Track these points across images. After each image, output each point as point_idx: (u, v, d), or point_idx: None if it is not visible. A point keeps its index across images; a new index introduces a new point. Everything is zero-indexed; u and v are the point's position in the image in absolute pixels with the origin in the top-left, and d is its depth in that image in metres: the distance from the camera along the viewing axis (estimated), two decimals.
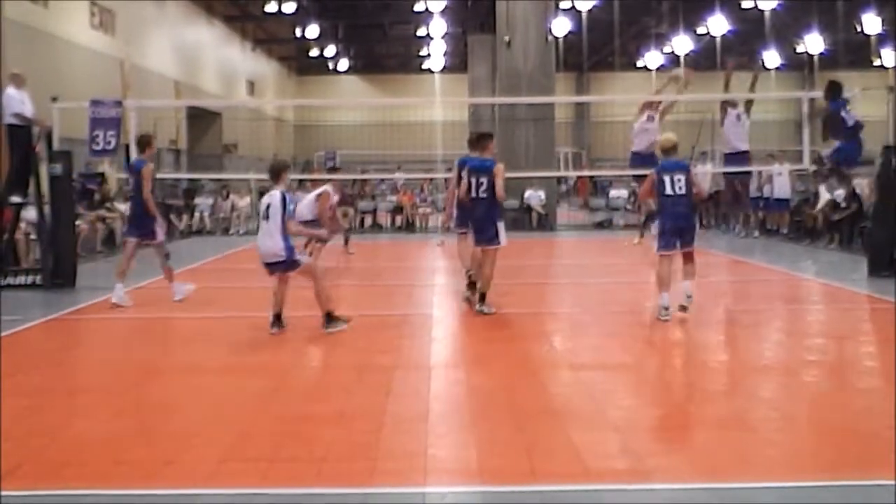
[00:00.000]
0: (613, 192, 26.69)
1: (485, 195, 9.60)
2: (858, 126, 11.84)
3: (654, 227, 9.42)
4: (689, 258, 9.20)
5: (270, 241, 8.44)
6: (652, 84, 43.94)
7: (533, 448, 5.00)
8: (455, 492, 4.44)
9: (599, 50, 43.87)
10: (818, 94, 13.35)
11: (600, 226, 24.26)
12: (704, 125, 22.72)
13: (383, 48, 52.45)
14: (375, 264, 15.81)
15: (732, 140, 13.59)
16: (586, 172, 34.70)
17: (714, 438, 5.28)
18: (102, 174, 19.34)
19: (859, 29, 38.26)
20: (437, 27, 39.01)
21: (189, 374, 7.27)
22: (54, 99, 13.35)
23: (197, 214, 23.54)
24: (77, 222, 14.57)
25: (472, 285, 9.75)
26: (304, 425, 5.54)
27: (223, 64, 39.05)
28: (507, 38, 23.03)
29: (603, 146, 43.17)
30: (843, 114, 11.70)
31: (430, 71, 48.71)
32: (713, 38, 40.57)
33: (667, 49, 44.67)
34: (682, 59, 42.61)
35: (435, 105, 42.58)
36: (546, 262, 16.19)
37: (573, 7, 35.29)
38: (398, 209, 24.60)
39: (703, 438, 5.30)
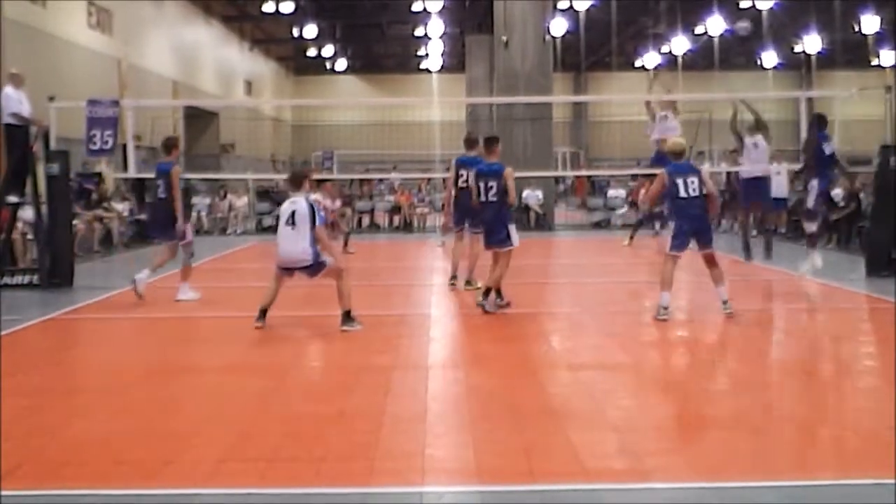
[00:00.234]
0: (611, 192, 26.67)
1: (493, 199, 9.69)
2: (834, 157, 12.40)
3: (669, 230, 9.49)
4: (710, 261, 9.24)
5: (296, 246, 8.61)
6: (648, 85, 44.08)
7: (531, 448, 5.00)
8: (453, 491, 4.44)
9: (597, 50, 43.86)
10: (816, 93, 13.46)
11: (598, 225, 24.28)
12: (702, 125, 22.73)
13: (381, 48, 52.43)
14: (373, 264, 15.80)
15: (749, 165, 13.55)
16: (584, 172, 34.69)
17: (713, 438, 5.28)
18: (100, 174, 19.34)
19: (857, 28, 38.26)
20: (435, 27, 38.98)
21: (188, 374, 7.26)
22: (51, 98, 13.34)
23: (194, 214, 23.50)
24: (74, 222, 14.57)
25: (487, 292, 9.74)
26: (303, 425, 5.54)
27: (221, 64, 39.02)
28: (504, 38, 23.03)
29: (601, 146, 43.14)
30: (823, 145, 12.17)
31: (427, 71, 48.71)
32: (711, 37, 40.55)
33: (664, 49, 44.67)
34: (679, 60, 42.69)
35: (433, 105, 42.59)
36: (544, 261, 16.19)
37: (571, 7, 35.23)
38: (396, 209, 24.61)
39: (702, 438, 5.30)
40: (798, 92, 39.05)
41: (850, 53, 41.45)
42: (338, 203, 15.84)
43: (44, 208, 12.46)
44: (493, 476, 4.58)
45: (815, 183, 12.36)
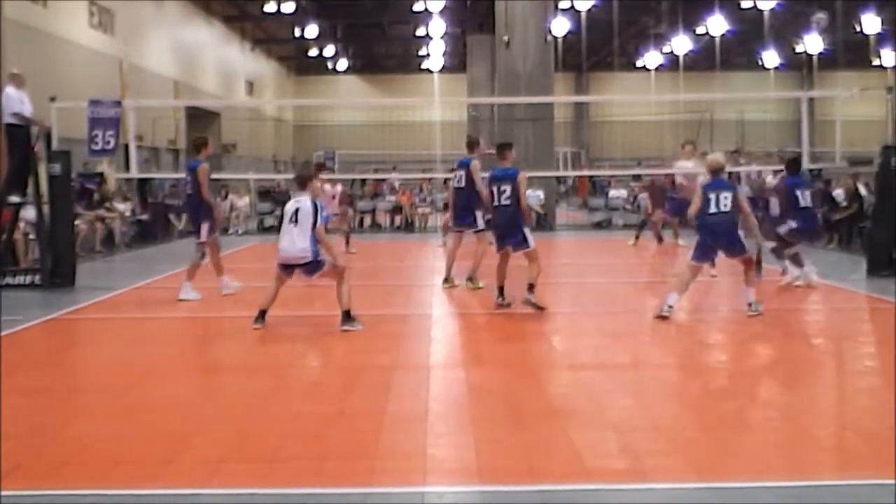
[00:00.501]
0: (612, 192, 26.64)
1: (507, 202, 9.76)
2: (809, 209, 11.33)
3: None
4: (745, 264, 9.38)
5: (297, 244, 8.64)
6: (651, 85, 44.14)
7: (532, 448, 5.00)
8: (454, 491, 4.44)
9: (598, 50, 43.84)
10: (817, 93, 13.36)
11: (599, 226, 24.26)
12: (703, 125, 22.74)
13: (382, 48, 52.44)
14: (375, 264, 15.80)
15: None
16: (585, 172, 34.67)
17: (713, 438, 5.28)
18: (101, 174, 19.36)
19: (858, 29, 38.25)
20: (437, 27, 38.99)
21: (188, 374, 7.27)
22: (53, 99, 13.35)
23: None
24: (76, 222, 14.57)
25: (500, 291, 9.90)
26: (304, 425, 5.54)
27: (222, 64, 39.03)
28: (506, 38, 23.02)
29: (602, 146, 43.14)
30: (797, 192, 11.17)
31: (429, 71, 48.69)
32: (712, 38, 40.55)
33: (666, 49, 44.67)
34: (681, 59, 42.67)
35: (434, 105, 42.60)
36: (545, 262, 16.07)
37: (572, 7, 35.25)
38: (397, 209, 24.61)
39: (702, 438, 5.30)
40: (799, 92, 39.14)
41: (852, 54, 41.43)
42: (336, 202, 15.81)
43: (46, 208, 12.47)
44: (494, 476, 4.59)
45: (791, 223, 11.20)
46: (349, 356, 7.82)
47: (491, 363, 7.49)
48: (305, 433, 5.36)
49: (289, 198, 9.17)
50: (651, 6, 38.12)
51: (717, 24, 38.69)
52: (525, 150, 21.90)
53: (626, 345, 8.26)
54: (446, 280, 11.72)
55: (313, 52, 47.18)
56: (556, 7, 30.75)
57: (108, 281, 13.00)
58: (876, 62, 43.14)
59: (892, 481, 4.30)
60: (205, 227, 10.81)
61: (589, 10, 35.80)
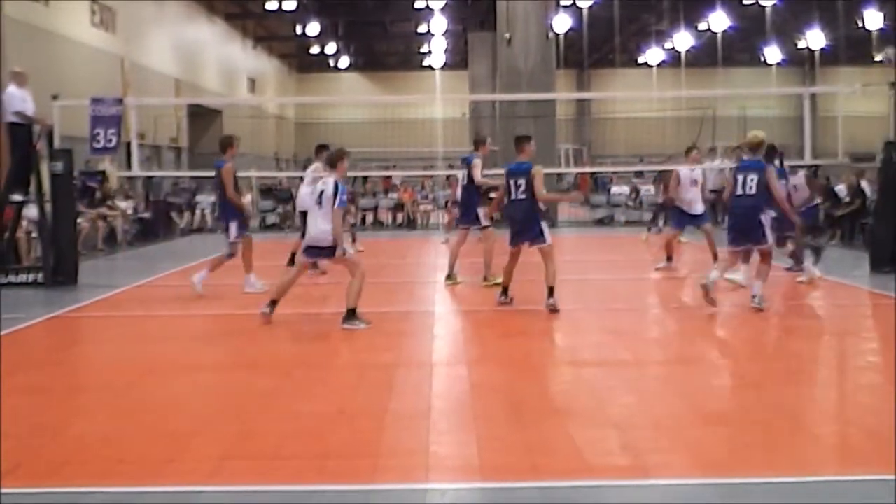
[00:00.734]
0: (615, 189, 26.66)
1: (523, 196, 9.71)
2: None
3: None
4: (763, 257, 9.30)
5: (319, 225, 8.66)
6: (653, 81, 44.05)
7: (534, 445, 5.00)
8: (456, 489, 4.44)
9: (600, 47, 43.81)
10: (819, 89, 13.31)
11: (601, 222, 24.26)
12: (706, 121, 22.71)
13: (384, 45, 52.41)
14: (377, 261, 15.78)
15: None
16: (587, 169, 34.66)
17: (715, 434, 5.28)
18: (103, 172, 19.37)
19: (861, 24, 38.18)
20: (438, 24, 38.97)
21: (190, 372, 7.26)
22: (55, 97, 13.34)
23: (198, 212, 23.53)
24: (78, 220, 14.59)
25: (504, 290, 9.94)
26: (306, 422, 5.54)
27: (224, 61, 39.01)
28: (507, 35, 23.01)
29: (604, 143, 43.17)
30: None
31: (430, 68, 48.68)
32: (714, 34, 40.51)
33: (668, 45, 44.62)
34: (682, 56, 42.63)
35: (435, 102, 42.57)
36: None
37: (574, 4, 35.24)
38: (399, 206, 24.60)
39: (704, 434, 5.29)
40: (801, 88, 39.09)
41: (854, 50, 41.38)
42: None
43: (48, 206, 12.48)
44: (496, 473, 4.59)
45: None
46: (352, 354, 7.83)
47: (493, 360, 7.49)
48: (308, 431, 5.36)
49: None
50: (652, 3, 38.10)
51: (718, 20, 38.65)
52: None
53: (628, 341, 8.26)
54: (449, 277, 11.73)
55: (315, 50, 47.19)
56: (558, 4, 30.77)
57: (111, 279, 13.02)
58: (878, 58, 43.06)
59: (893, 478, 4.29)
60: (234, 226, 10.79)
61: (590, 6, 35.80)
